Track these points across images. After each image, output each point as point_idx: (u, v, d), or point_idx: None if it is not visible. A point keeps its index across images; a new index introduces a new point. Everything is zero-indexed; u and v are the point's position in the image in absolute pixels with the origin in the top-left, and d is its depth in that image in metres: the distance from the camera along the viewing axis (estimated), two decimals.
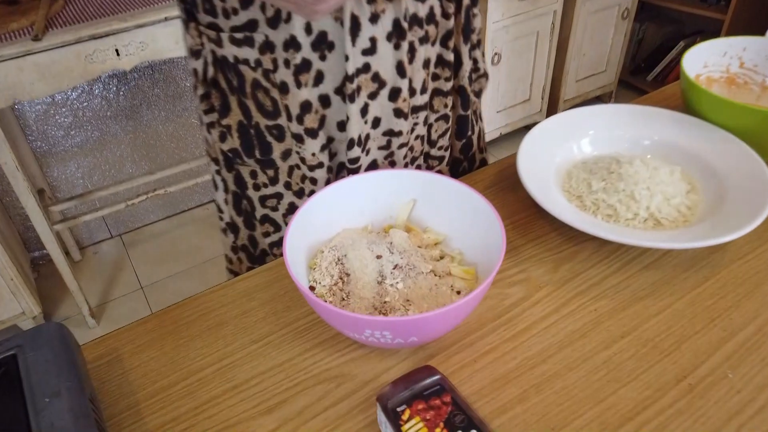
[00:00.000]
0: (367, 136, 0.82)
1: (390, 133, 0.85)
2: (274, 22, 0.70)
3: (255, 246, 0.93)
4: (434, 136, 0.94)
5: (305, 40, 0.71)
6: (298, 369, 0.66)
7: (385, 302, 0.64)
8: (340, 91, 0.77)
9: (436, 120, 0.92)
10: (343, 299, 0.65)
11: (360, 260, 0.66)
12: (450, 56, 0.86)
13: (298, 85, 0.74)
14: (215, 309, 0.74)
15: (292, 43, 0.71)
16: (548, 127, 0.87)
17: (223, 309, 0.74)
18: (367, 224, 0.76)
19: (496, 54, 2.34)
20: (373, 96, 0.78)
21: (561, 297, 0.72)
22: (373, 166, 0.87)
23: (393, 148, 0.86)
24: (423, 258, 0.69)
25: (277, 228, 0.89)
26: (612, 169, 0.79)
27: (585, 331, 0.68)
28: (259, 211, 0.87)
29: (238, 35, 0.71)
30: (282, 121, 0.78)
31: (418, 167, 0.89)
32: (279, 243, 0.91)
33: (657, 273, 0.75)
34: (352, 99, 0.76)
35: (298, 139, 0.78)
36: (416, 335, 0.59)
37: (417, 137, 0.91)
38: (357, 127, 0.79)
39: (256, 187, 0.85)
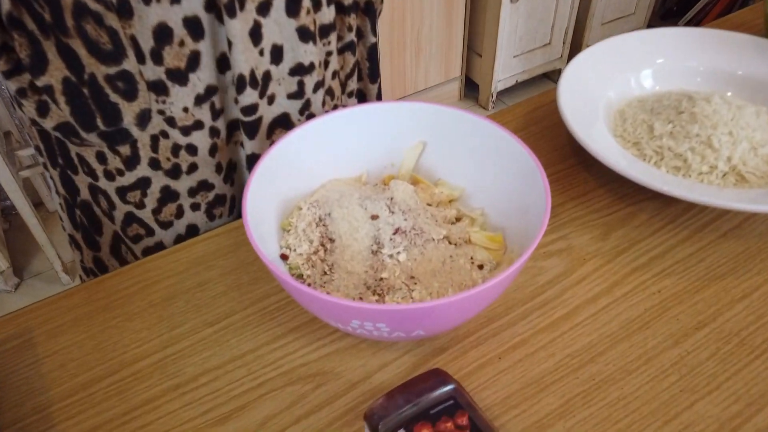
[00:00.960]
0: (267, 76, 0.61)
1: (300, 70, 0.62)
2: None
3: (118, 256, 0.70)
4: (341, 76, 0.71)
5: None
6: (264, 363, 0.50)
7: (381, 279, 0.47)
8: (212, 5, 0.54)
9: (339, 51, 0.69)
10: (325, 273, 0.48)
11: (349, 221, 0.49)
12: None
13: (147, 0, 0.51)
14: (162, 279, 0.57)
15: None
16: (598, 54, 0.68)
17: (172, 279, 0.57)
18: (360, 173, 0.58)
19: None
20: (264, 9, 0.56)
21: (613, 273, 0.55)
22: (282, 122, 0.65)
23: (308, 92, 0.64)
24: (434, 220, 0.51)
25: (149, 230, 0.66)
26: (682, 108, 0.61)
27: (646, 319, 0.52)
28: (121, 210, 0.64)
29: None
30: (129, 64, 0.53)
31: None
32: (157, 248, 0.67)
33: (739, 243, 0.57)
34: (232, 13, 0.54)
35: (158, 89, 0.56)
36: (423, 328, 0.42)
37: (334, 75, 0.69)
38: (246, 57, 0.57)
39: (109, 176, 0.61)
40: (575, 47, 2.52)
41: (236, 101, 0.61)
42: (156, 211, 0.64)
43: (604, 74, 0.68)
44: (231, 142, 0.66)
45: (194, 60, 0.56)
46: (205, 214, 0.67)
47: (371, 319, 0.40)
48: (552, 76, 2.60)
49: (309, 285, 0.48)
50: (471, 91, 2.52)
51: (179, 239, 0.67)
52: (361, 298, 0.46)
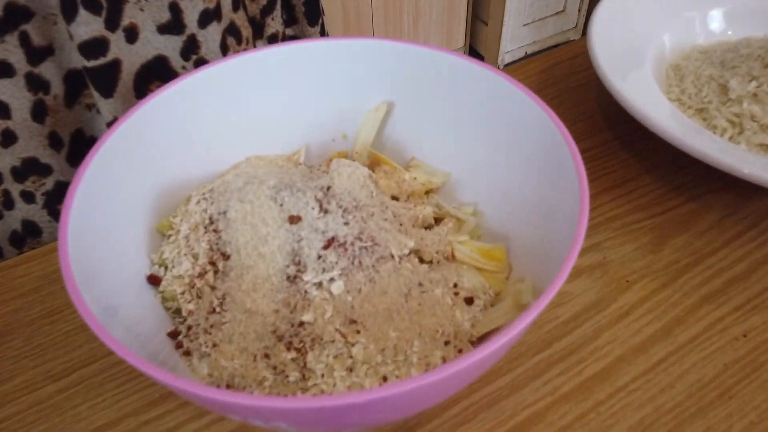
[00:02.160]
0: None
1: None
2: None
3: None
4: (253, 9, 0.51)
5: None
6: None
7: (301, 324, 0.28)
8: None
9: None
10: (214, 310, 0.29)
11: (252, 225, 0.30)
12: None
13: None
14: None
15: None
16: None
17: (13, 303, 0.39)
18: (296, 149, 0.39)
19: None
20: None
21: (672, 305, 0.37)
22: (156, 68, 0.45)
23: (190, 25, 0.44)
24: (397, 223, 0.33)
25: None
26: None
27: (728, 383, 0.33)
28: None
29: None
30: None
31: None
32: None
33: None
34: None
35: None
36: (359, 424, 0.24)
37: (237, 5, 0.48)
38: None
39: None
40: (592, 14, 2.31)
41: (71, 37, 0.41)
42: None
43: (654, 14, 0.48)
44: (77, 104, 0.46)
45: None
46: (45, 210, 0.47)
47: (260, 417, 0.22)
48: None
49: (189, 328, 0.30)
50: None
51: (15, 239, 0.48)
52: (267, 357, 0.28)
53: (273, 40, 0.52)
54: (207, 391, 0.21)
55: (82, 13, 0.39)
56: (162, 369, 0.22)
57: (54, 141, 0.45)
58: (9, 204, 0.46)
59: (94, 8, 0.40)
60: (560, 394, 0.33)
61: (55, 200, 0.48)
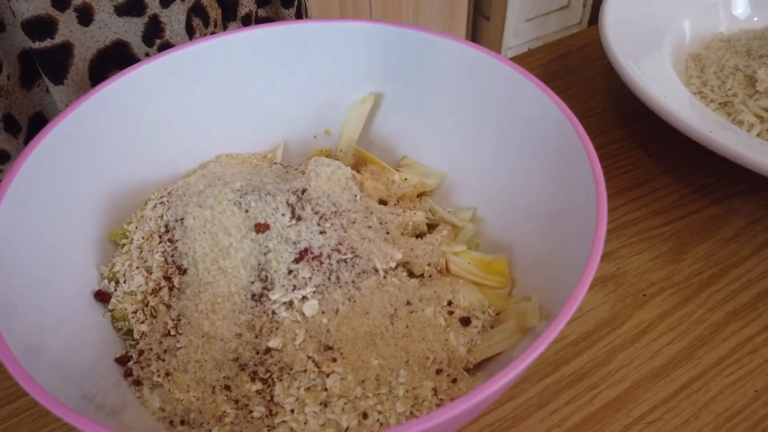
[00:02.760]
0: None
1: None
2: None
3: None
4: None
5: None
6: None
7: (268, 352, 0.24)
8: None
9: None
10: (169, 333, 0.25)
11: (212, 234, 0.26)
12: None
13: None
14: None
15: None
16: None
17: None
18: (274, 146, 0.35)
19: None
20: None
21: (695, 322, 0.33)
22: (117, 55, 0.40)
23: (151, 5, 0.40)
24: (383, 231, 0.28)
25: None
26: None
27: (761, 413, 0.29)
28: None
29: None
30: None
31: None
32: None
33: None
34: None
35: None
36: None
37: None
38: None
39: None
40: (597, 10, 2.26)
41: (12, 13, 0.37)
42: None
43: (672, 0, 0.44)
44: (35, 86, 0.42)
45: None
46: None
47: None
48: None
49: (141, 353, 0.26)
50: None
51: None
52: (227, 389, 0.24)
53: (246, 21, 0.48)
54: None
55: None
56: (92, 420, 0.18)
57: (10, 124, 0.41)
58: None
59: None
60: (569, 426, 0.29)
61: None
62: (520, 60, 0.52)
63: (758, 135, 0.37)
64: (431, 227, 0.31)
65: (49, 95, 0.42)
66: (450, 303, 0.27)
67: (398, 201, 0.33)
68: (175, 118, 0.32)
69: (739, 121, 0.38)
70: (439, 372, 0.25)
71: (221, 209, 0.26)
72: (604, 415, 0.29)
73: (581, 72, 0.49)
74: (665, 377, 0.31)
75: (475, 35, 2.21)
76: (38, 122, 0.43)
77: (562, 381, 0.31)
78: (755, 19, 0.45)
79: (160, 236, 0.27)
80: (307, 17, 0.53)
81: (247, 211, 0.26)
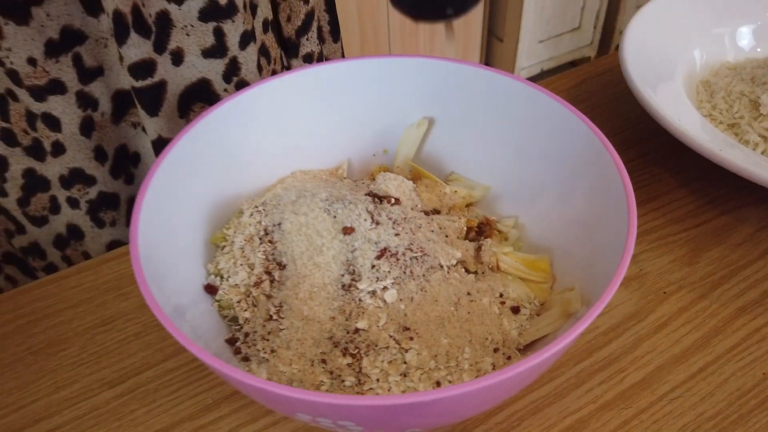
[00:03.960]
0: (164, 19, 0.43)
1: (214, 12, 0.43)
2: None
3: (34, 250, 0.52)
4: (288, 30, 0.52)
5: None
6: None
7: (357, 332, 0.29)
8: None
9: None
10: (271, 318, 0.30)
11: (307, 236, 0.31)
12: None
13: None
14: (53, 313, 0.40)
15: None
16: (678, 2, 0.49)
17: (67, 314, 0.40)
18: (339, 164, 0.41)
19: None
20: None
21: (710, 316, 0.37)
22: (199, 91, 0.47)
23: (231, 47, 0.46)
24: (443, 235, 0.34)
25: (19, 226, 0.49)
26: None
27: None
28: None
29: None
30: None
31: None
32: (33, 250, 0.51)
33: None
34: None
35: None
36: (420, 425, 0.25)
37: (266, 26, 0.50)
38: None
39: None
40: (607, 32, 2.31)
41: (121, 59, 0.43)
42: (23, 202, 0.47)
43: (683, 31, 0.49)
44: (122, 122, 0.47)
45: None
46: (89, 216, 0.49)
47: (329, 415, 0.23)
48: (581, 65, 2.39)
49: (246, 335, 0.31)
50: None
51: (60, 241, 0.49)
52: (323, 362, 0.29)
53: (308, 59, 0.54)
54: (277, 388, 0.22)
55: (133, 37, 0.41)
56: (238, 368, 0.23)
57: (99, 154, 0.47)
58: (56, 209, 0.48)
59: (144, 32, 0.42)
60: (602, 402, 0.34)
61: (97, 208, 0.49)
62: (546, 85, 0.57)
63: (762, 152, 0.42)
64: (481, 233, 0.37)
65: (134, 130, 0.48)
66: (501, 295, 0.32)
67: (450, 210, 0.38)
68: (258, 141, 0.38)
69: (746, 140, 0.43)
70: (496, 350, 0.30)
71: (314, 215, 0.31)
72: (632, 393, 0.34)
73: (602, 96, 0.54)
74: (684, 362, 0.36)
75: (489, 56, 2.27)
76: (122, 153, 0.49)
77: (595, 365, 0.36)
78: (759, 49, 0.50)
79: (260, 238, 0.32)
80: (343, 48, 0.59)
81: (335, 216, 0.31)
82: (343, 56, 0.58)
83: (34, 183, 0.46)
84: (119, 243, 0.52)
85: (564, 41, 2.21)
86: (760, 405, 0.33)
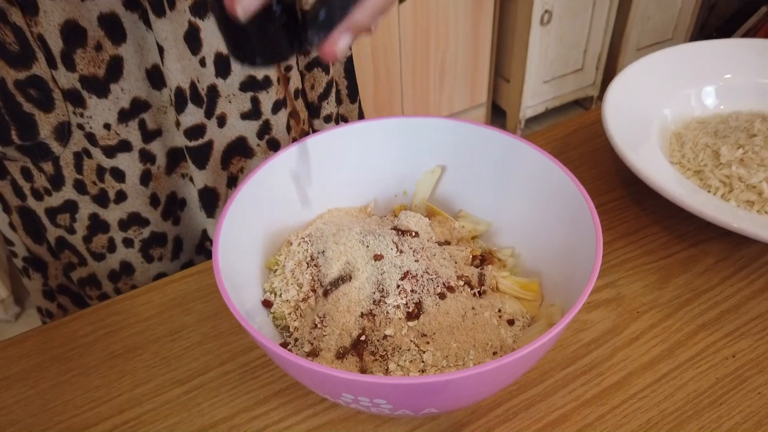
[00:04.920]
0: (213, 91, 0.52)
1: (252, 85, 0.53)
2: None
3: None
4: (312, 96, 0.62)
5: None
6: None
7: (385, 338, 0.37)
8: (135, 2, 0.46)
9: (308, 67, 0.59)
10: (316, 326, 0.38)
11: (346, 261, 0.39)
12: None
13: None
14: (128, 325, 0.48)
15: None
16: (651, 68, 0.58)
17: (140, 326, 0.48)
18: (367, 203, 0.49)
19: (546, 12, 2.03)
20: (200, 9, 0.48)
21: (674, 331, 0.45)
22: (238, 148, 0.56)
23: (265, 112, 0.55)
24: (453, 261, 0.42)
25: (82, 260, 0.58)
26: (755, 131, 0.51)
27: (719, 393, 0.41)
28: (52, 233, 0.56)
29: None
30: (39, 68, 0.46)
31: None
32: (90, 281, 0.59)
33: None
34: (159, 11, 0.46)
35: (74, 99, 0.48)
36: (436, 405, 0.32)
37: (297, 94, 0.59)
38: (182, 66, 0.49)
39: (37, 195, 0.53)
40: (609, 73, 2.41)
41: (178, 124, 0.52)
42: (87, 240, 0.56)
43: (658, 91, 0.58)
44: (174, 173, 0.57)
45: (115, 67, 0.47)
46: (140, 253, 0.58)
47: (367, 393, 0.31)
48: (584, 104, 2.50)
49: (296, 340, 0.39)
50: (498, 117, 2.42)
51: (113, 275, 0.58)
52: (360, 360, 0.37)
53: (328, 119, 0.64)
54: (331, 371, 0.30)
55: (190, 107, 0.51)
56: (292, 355, 0.31)
57: (153, 200, 0.56)
58: (112, 248, 0.57)
59: (198, 102, 0.51)
60: (583, 400, 0.41)
61: (148, 246, 0.58)
62: (543, 133, 0.66)
63: (722, 196, 0.50)
64: (483, 261, 0.45)
65: (182, 180, 0.57)
66: (500, 310, 0.40)
67: (458, 242, 0.46)
68: (300, 186, 0.46)
69: (709, 185, 0.51)
70: (494, 354, 0.38)
71: (351, 245, 0.40)
72: (608, 393, 0.42)
73: (591, 144, 0.63)
74: (651, 368, 0.43)
75: (496, 95, 2.37)
76: (172, 199, 0.58)
77: (578, 370, 0.43)
78: (722, 107, 0.58)
79: (307, 263, 0.41)
80: (362, 108, 0.68)
81: (367, 246, 0.39)
82: (360, 113, 0.68)
83: (97, 225, 0.55)
84: (164, 275, 0.60)
85: (568, 81, 2.31)
86: (712, 404, 0.41)
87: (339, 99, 0.65)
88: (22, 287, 1.82)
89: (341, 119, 0.67)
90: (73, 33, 0.44)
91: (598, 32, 2.23)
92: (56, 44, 0.44)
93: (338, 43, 0.31)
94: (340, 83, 0.64)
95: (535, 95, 2.28)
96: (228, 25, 0.33)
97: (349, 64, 0.64)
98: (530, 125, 2.45)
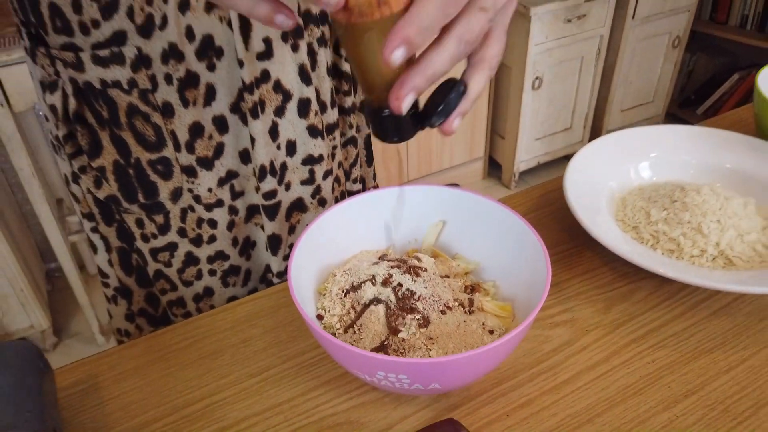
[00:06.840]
0: (284, 166, 0.72)
1: (310, 161, 0.73)
2: (146, 30, 0.57)
3: (156, 305, 0.79)
4: (346, 165, 0.83)
5: (188, 48, 0.59)
6: (298, 411, 0.56)
7: (403, 340, 0.54)
8: (237, 108, 0.66)
9: (344, 145, 0.81)
10: (355, 332, 0.55)
11: (375, 289, 0.56)
12: (346, 66, 0.75)
13: (185, 103, 0.62)
14: (211, 335, 0.65)
15: (171, 53, 0.59)
16: (602, 147, 0.77)
17: (219, 335, 0.64)
18: (388, 246, 0.66)
19: (537, 78, 2.24)
20: (280, 112, 0.68)
21: (612, 344, 0.61)
22: (297, 206, 0.76)
23: (318, 179, 0.75)
24: (451, 289, 0.59)
25: (173, 286, 0.75)
26: (675, 198, 0.69)
27: (641, 386, 0.57)
28: (152, 267, 0.74)
29: (103, 52, 0.57)
30: (168, 152, 0.65)
31: None
32: (178, 302, 0.77)
33: (728, 321, 0.63)
34: (255, 115, 0.65)
35: (189, 172, 0.67)
36: (439, 381, 0.49)
37: (339, 164, 0.80)
38: (266, 152, 0.68)
39: (145, 239, 0.71)
40: (595, 131, 2.62)
41: (257, 189, 0.71)
42: (180, 271, 0.74)
43: (607, 165, 0.76)
44: (250, 222, 0.76)
45: (219, 150, 0.67)
46: (220, 281, 0.76)
47: (394, 370, 0.47)
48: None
49: None
50: (494, 170, 2.62)
51: (197, 297, 0.76)
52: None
53: (355, 181, 0.83)
54: (372, 354, 0.46)
55: (268, 178, 0.69)
56: (348, 344, 0.48)
57: (234, 242, 0.74)
58: (199, 277, 0.74)
59: (273, 174, 0.70)
60: (544, 390, 0.57)
61: (227, 275, 0.76)
62: (523, 194, 0.83)
63: (651, 246, 0.68)
64: (473, 289, 0.62)
65: (255, 227, 0.76)
66: (483, 324, 0.57)
67: (455, 276, 0.63)
68: (345, 231, 0.64)
69: (642, 237, 0.69)
70: None
71: (379, 276, 0.57)
72: (562, 386, 0.58)
73: (559, 203, 0.80)
74: (594, 369, 0.59)
75: (492, 150, 2.57)
76: (246, 242, 0.76)
77: (541, 370, 0.59)
78: (654, 178, 0.76)
79: (347, 291, 0.58)
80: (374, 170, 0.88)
81: (391, 277, 0.57)
82: (374, 173, 0.87)
83: (190, 260, 0.73)
84: (235, 298, 0.78)
85: (557, 139, 2.51)
86: (635, 393, 0.57)
87: (360, 164, 0.84)
88: (61, 319, 1.97)
89: (362, 180, 0.85)
90: (195, 128, 0.63)
91: (585, 95, 2.44)
92: (183, 136, 0.63)
93: (454, 124, 0.46)
94: (360, 153, 0.83)
95: (528, 151, 2.48)
96: (375, 117, 0.45)
97: (368, 137, 0.83)
98: (524, 177, 2.65)
